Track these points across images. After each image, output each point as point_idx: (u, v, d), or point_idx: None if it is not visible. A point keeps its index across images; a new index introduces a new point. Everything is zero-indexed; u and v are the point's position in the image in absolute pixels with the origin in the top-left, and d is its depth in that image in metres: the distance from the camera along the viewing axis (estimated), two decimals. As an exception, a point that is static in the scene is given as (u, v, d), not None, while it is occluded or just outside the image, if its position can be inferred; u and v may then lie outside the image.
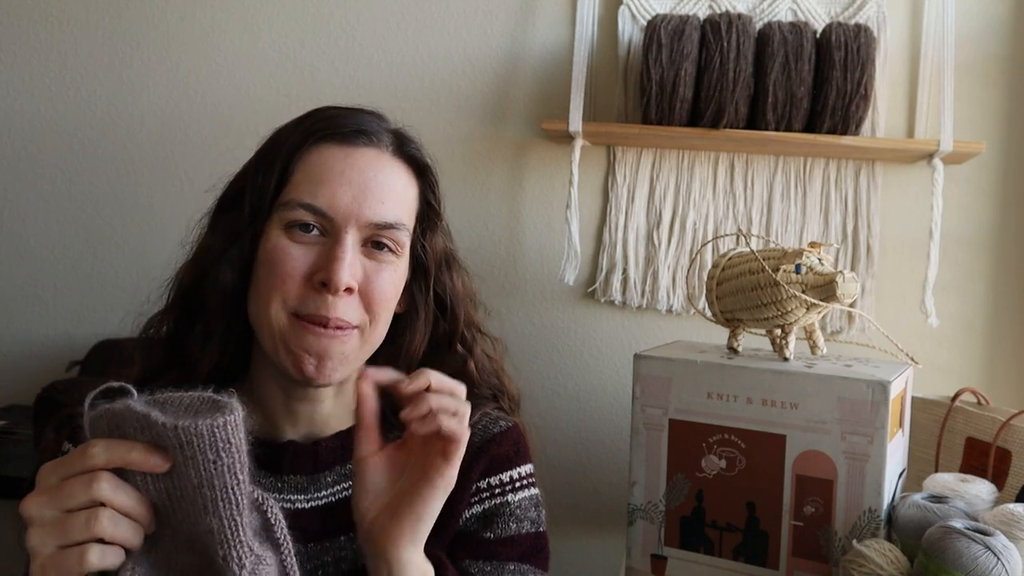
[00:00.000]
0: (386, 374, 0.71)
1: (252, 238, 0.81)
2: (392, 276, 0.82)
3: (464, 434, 0.69)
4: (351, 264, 0.78)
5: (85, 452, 0.58)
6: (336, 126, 0.82)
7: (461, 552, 0.85)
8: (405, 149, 0.85)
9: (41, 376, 1.55)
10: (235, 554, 0.58)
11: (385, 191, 0.81)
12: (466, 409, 0.70)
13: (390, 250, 0.82)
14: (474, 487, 0.86)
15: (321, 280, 0.77)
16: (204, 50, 1.63)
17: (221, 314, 0.83)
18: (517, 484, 0.89)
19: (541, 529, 0.89)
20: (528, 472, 0.90)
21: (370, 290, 0.80)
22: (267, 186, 0.81)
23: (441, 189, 0.90)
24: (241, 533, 0.58)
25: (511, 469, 0.89)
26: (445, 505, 0.84)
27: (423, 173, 0.87)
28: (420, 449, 0.71)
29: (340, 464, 0.86)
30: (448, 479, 0.70)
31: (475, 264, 1.56)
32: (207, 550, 0.58)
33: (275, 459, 0.85)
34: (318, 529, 0.83)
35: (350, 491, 0.84)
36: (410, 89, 1.58)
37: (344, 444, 0.86)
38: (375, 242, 0.81)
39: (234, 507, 0.57)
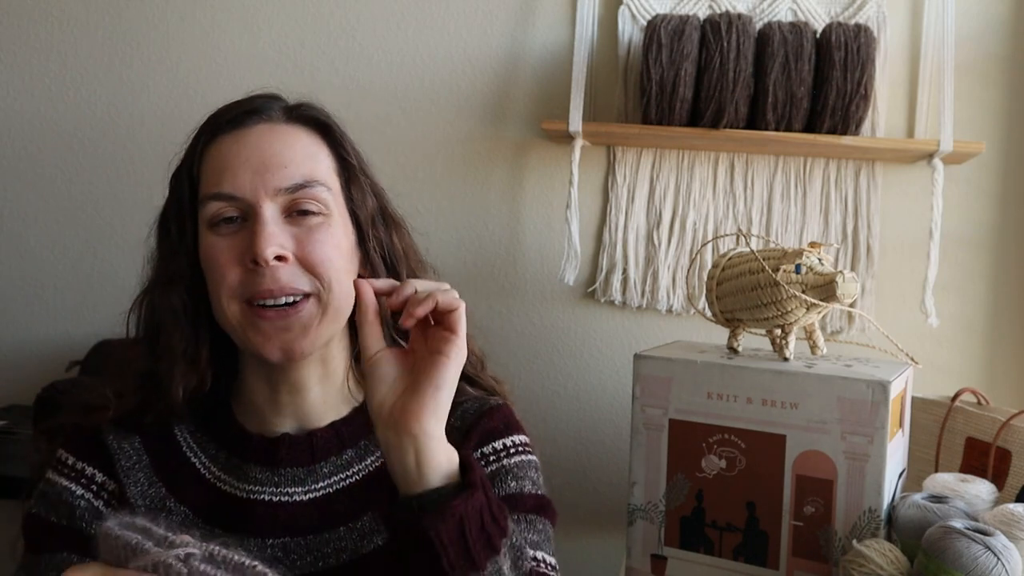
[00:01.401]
0: (380, 281, 0.73)
1: (187, 251, 0.83)
2: (327, 236, 0.82)
3: (460, 302, 0.70)
4: (272, 235, 0.78)
5: None
6: (224, 117, 0.84)
7: None
8: (300, 113, 0.86)
9: (41, 376, 1.55)
10: None
11: (286, 155, 0.81)
12: (454, 292, 0.71)
13: (314, 211, 0.81)
14: None
15: (251, 259, 0.78)
16: (204, 50, 1.63)
17: (180, 334, 0.84)
18: (512, 451, 0.88)
19: (542, 492, 0.89)
20: (522, 441, 0.90)
21: (306, 255, 0.80)
22: (183, 198, 0.83)
23: (359, 149, 0.89)
24: None
25: (503, 438, 0.89)
26: None
27: (326, 131, 0.86)
28: (426, 342, 0.71)
29: (336, 455, 0.86)
30: (460, 347, 0.70)
31: (475, 264, 1.57)
32: None
33: (270, 453, 0.85)
34: (316, 521, 0.83)
35: (348, 481, 0.85)
36: (410, 89, 1.58)
37: (339, 434, 0.87)
38: (295, 207, 0.81)
39: None
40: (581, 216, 1.51)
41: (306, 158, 0.82)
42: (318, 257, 0.81)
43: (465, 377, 0.94)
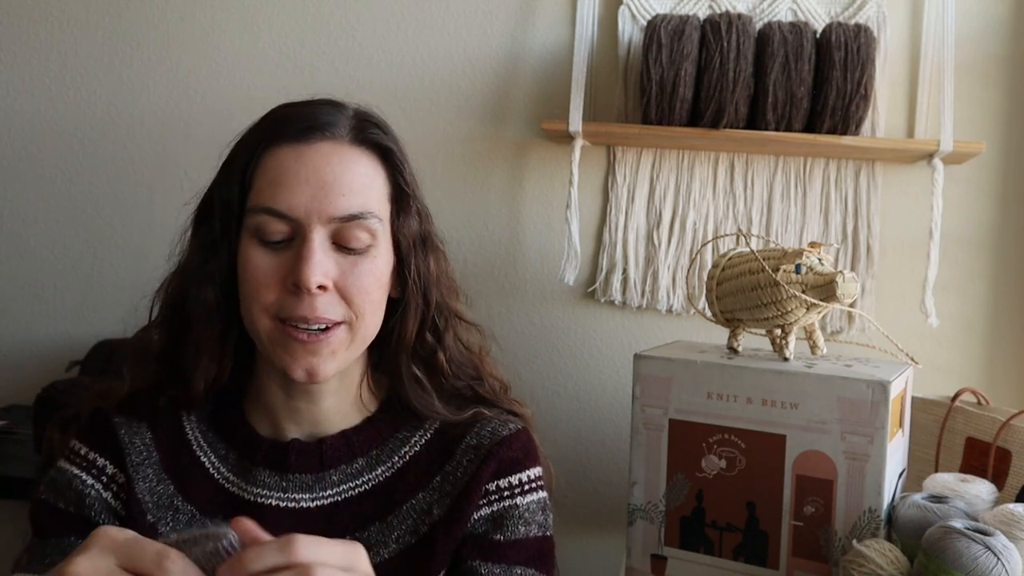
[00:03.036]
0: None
1: (228, 250, 0.82)
2: (370, 268, 0.81)
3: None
4: (320, 263, 0.77)
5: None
6: (288, 125, 0.81)
7: (470, 552, 0.84)
8: (365, 135, 0.83)
9: (41, 376, 1.55)
10: None
11: (344, 183, 0.79)
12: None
13: (361, 242, 0.80)
14: (483, 489, 0.86)
15: (293, 282, 0.77)
16: (204, 50, 1.63)
17: (210, 328, 0.83)
18: (526, 487, 0.88)
19: (548, 533, 0.89)
20: (537, 475, 0.90)
21: (347, 286, 0.79)
22: (232, 197, 0.81)
23: (412, 168, 0.87)
24: None
25: (520, 472, 0.88)
26: (454, 507, 0.85)
27: (387, 156, 0.84)
28: None
29: (346, 463, 0.86)
30: None
31: (475, 264, 1.57)
32: None
33: (280, 457, 0.85)
34: (323, 529, 0.82)
35: (356, 491, 0.85)
36: (410, 89, 1.58)
37: (350, 443, 0.87)
38: (345, 237, 0.79)
39: None
40: (581, 216, 1.51)
41: (363, 187, 0.80)
42: (357, 289, 0.80)
43: (484, 402, 0.94)
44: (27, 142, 1.68)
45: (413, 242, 0.86)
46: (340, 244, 0.80)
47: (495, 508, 0.86)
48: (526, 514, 0.87)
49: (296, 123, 0.81)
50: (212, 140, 1.71)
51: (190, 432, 0.88)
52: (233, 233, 0.81)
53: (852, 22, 1.41)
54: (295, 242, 0.79)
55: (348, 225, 0.79)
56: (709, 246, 1.49)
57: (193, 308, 0.83)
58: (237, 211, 0.81)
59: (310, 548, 0.53)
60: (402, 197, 0.85)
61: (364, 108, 0.87)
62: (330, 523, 0.83)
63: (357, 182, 0.80)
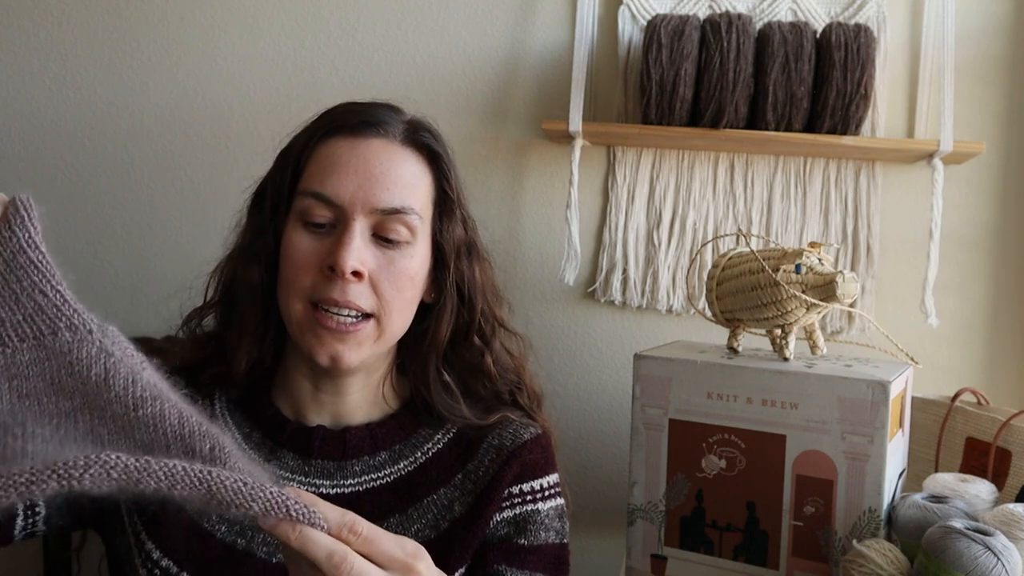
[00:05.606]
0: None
1: (274, 233, 0.85)
2: (405, 264, 0.83)
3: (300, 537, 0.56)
4: (358, 249, 0.80)
5: None
6: (345, 120, 0.85)
7: (496, 556, 0.86)
8: (416, 137, 0.86)
9: (41, 376, 1.55)
10: (76, 319, 0.57)
11: (391, 178, 0.82)
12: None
13: (400, 236, 0.83)
14: (506, 492, 0.87)
15: (329, 265, 0.80)
16: (204, 50, 1.63)
17: (254, 309, 0.86)
18: (547, 493, 0.90)
19: (564, 540, 0.91)
20: (556, 481, 0.92)
21: (380, 279, 0.82)
22: (283, 181, 0.85)
23: (459, 177, 0.90)
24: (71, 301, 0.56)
25: (541, 477, 0.90)
26: (476, 505, 0.86)
27: (435, 161, 0.88)
28: None
29: (369, 455, 0.87)
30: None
31: (475, 264, 1.57)
32: (39, 335, 0.56)
33: (304, 442, 0.87)
34: None
35: (378, 483, 0.86)
36: (410, 89, 1.58)
37: (373, 435, 0.88)
38: (385, 229, 0.82)
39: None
40: (581, 216, 1.51)
41: (409, 185, 0.84)
42: (389, 283, 0.82)
43: (519, 409, 0.96)
44: (27, 142, 1.68)
45: (457, 248, 0.89)
46: (379, 235, 0.82)
47: (517, 512, 0.88)
48: (546, 520, 0.89)
49: (353, 118, 0.85)
50: (212, 140, 1.71)
51: (218, 409, 0.89)
52: (281, 216, 0.84)
53: (852, 22, 1.41)
54: (337, 228, 0.82)
55: (389, 218, 0.82)
56: (709, 246, 1.49)
57: (239, 288, 0.86)
58: (287, 195, 0.84)
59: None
60: (446, 202, 0.88)
61: (418, 116, 0.90)
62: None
63: (403, 179, 0.83)
